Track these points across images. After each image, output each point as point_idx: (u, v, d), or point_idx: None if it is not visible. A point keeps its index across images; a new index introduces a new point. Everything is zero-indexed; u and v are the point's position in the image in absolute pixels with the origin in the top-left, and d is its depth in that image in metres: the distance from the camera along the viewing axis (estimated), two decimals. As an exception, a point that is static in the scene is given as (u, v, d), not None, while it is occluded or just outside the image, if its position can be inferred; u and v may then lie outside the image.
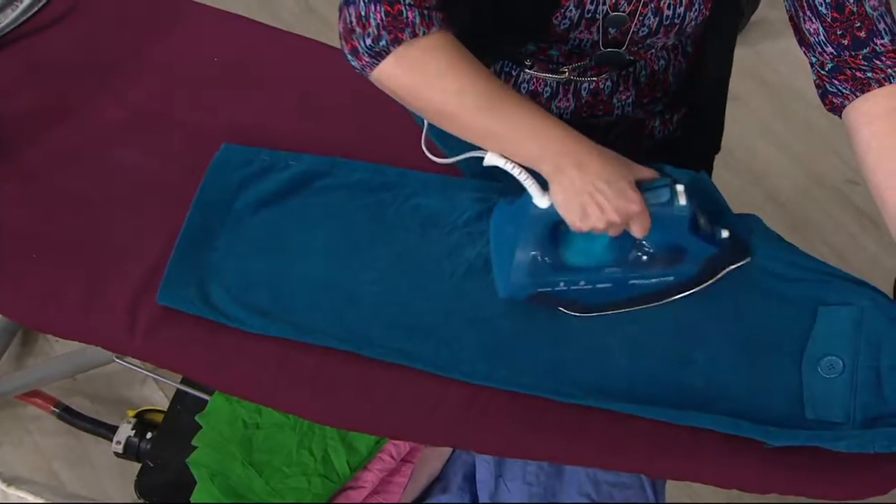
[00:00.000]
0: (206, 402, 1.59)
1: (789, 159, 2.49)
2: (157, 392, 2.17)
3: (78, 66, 1.46)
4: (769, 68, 2.72)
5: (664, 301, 1.24)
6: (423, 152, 1.29)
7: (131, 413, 1.88)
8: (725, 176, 1.64)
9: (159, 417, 1.82)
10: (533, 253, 1.19)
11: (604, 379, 1.19)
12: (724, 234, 1.22)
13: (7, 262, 1.28)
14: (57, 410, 2.04)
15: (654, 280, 1.22)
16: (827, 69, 1.21)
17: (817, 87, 1.23)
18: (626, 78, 1.35)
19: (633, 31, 1.24)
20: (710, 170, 1.53)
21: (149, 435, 1.80)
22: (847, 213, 2.48)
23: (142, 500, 1.70)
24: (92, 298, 1.24)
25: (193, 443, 1.49)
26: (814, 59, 1.22)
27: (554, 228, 1.17)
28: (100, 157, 1.38)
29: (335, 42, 1.17)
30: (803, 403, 1.16)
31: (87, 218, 1.32)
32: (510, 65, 1.34)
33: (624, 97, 1.37)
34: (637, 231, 1.15)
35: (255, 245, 1.29)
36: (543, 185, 1.14)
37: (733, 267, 1.25)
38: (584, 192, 1.11)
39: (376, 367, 1.20)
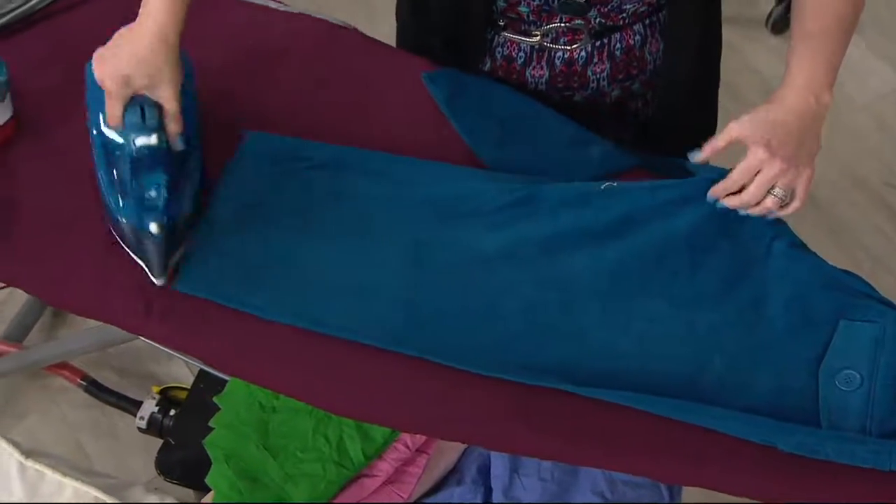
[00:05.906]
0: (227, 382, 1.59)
1: (828, 161, 2.43)
2: (183, 368, 2.19)
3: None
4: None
5: None
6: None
7: (156, 389, 1.89)
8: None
9: (183, 395, 1.82)
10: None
11: (613, 379, 1.18)
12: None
13: (30, 238, 1.29)
14: (84, 383, 2.06)
15: None
16: None
17: None
18: (600, 50, 1.35)
19: None
20: None
21: (172, 412, 1.81)
22: (884, 216, 2.45)
23: (162, 476, 1.72)
24: (108, 277, 1.25)
25: (210, 424, 1.50)
26: None
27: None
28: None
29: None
30: (819, 412, 1.16)
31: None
32: (486, 28, 1.34)
33: (598, 69, 1.37)
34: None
35: (275, 233, 1.29)
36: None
37: None
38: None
39: (391, 358, 1.21)
